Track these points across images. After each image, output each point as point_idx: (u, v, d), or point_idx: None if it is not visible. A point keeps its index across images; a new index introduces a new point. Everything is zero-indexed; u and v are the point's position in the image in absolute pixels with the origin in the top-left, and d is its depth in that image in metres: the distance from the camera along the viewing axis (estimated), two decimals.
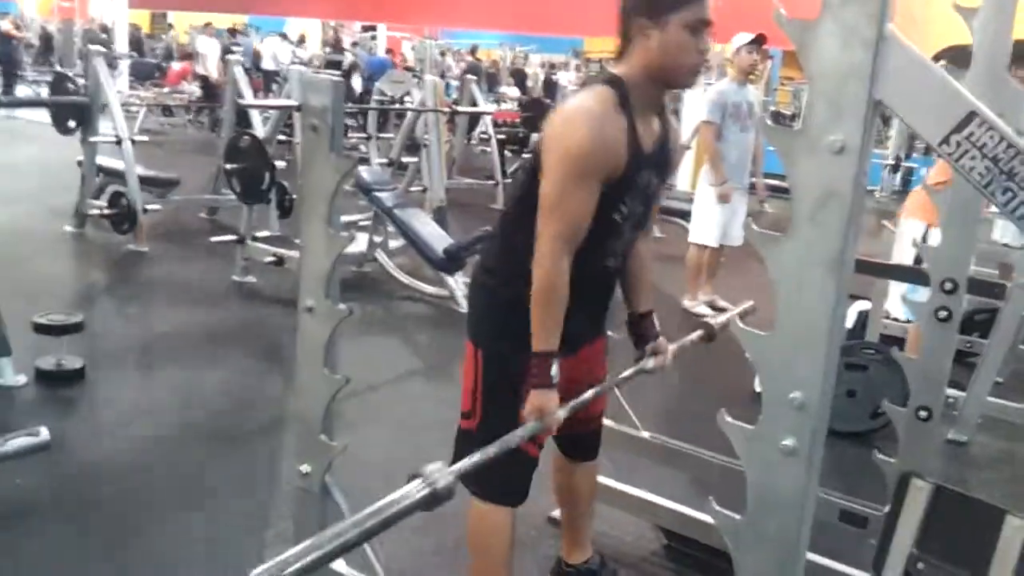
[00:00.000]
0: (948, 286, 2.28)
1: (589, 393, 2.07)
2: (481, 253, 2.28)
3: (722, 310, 5.81)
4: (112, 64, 12.51)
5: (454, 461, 2.09)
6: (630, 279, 2.29)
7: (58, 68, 15.04)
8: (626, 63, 1.97)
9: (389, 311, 5.54)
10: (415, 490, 1.43)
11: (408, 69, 14.57)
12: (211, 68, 14.53)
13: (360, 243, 5.98)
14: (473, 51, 20.42)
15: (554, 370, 1.96)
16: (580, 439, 2.44)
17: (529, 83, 18.36)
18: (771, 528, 1.43)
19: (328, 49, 19.45)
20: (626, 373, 2.24)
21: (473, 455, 1.68)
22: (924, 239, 4.13)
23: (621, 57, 1.99)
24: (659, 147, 2.06)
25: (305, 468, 2.11)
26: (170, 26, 24.42)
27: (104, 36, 18.34)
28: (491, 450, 1.70)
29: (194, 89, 15.10)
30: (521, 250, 1.97)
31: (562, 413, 1.97)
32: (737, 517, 1.47)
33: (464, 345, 2.22)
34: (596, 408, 2.42)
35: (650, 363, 2.26)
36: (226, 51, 13.53)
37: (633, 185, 1.99)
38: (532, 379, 1.95)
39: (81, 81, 6.97)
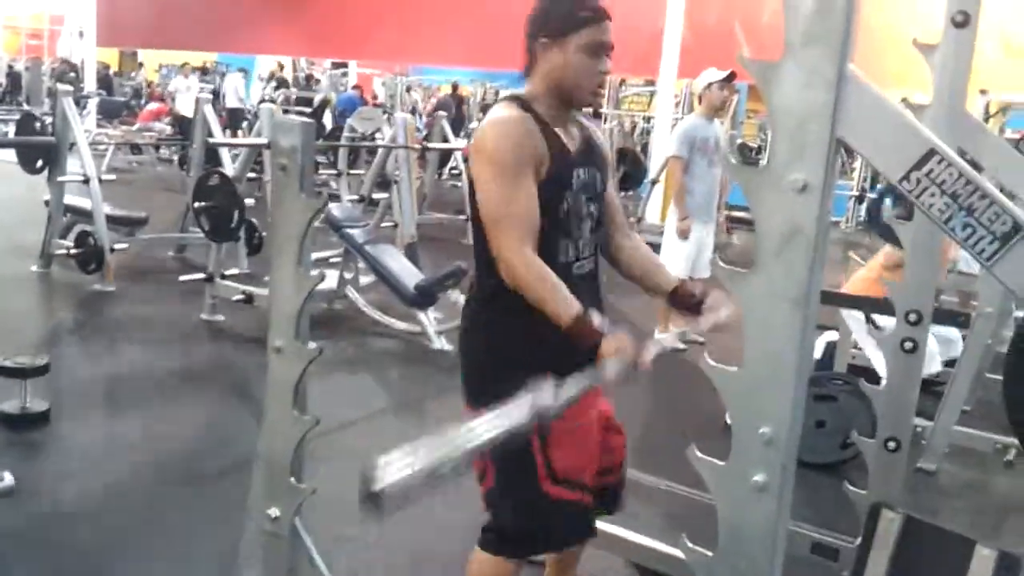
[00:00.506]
0: (913, 317, 2.31)
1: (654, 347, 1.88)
2: (463, 309, 2.23)
3: (692, 343, 5.85)
4: (80, 103, 12.47)
5: (493, 523, 2.07)
6: (635, 271, 2.22)
7: (26, 107, 14.96)
8: (529, 81, 2.05)
9: (360, 348, 5.51)
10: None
11: (377, 105, 14.64)
12: (187, 107, 14.51)
13: (330, 280, 5.96)
14: (454, 88, 20.57)
15: (599, 320, 1.86)
16: (609, 489, 2.30)
17: None
18: (742, 564, 1.43)
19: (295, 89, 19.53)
20: (704, 325, 2.07)
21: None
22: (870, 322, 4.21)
23: (526, 75, 2.06)
24: (586, 146, 2.10)
25: (274, 512, 2.09)
26: (140, 64, 24.36)
27: (72, 75, 18.26)
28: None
29: (164, 127, 15.05)
30: (493, 274, 1.96)
31: (651, 348, 1.83)
32: (709, 553, 1.47)
33: (441, 381, 2.19)
34: (620, 456, 2.31)
35: (723, 313, 2.06)
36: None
37: (569, 181, 2.01)
38: (588, 341, 1.83)
39: (49, 120, 6.92)
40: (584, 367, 1.79)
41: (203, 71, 18.63)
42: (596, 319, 1.86)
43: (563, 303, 1.88)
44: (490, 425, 1.52)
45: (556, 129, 2.03)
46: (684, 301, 2.15)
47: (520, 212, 1.92)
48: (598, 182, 2.11)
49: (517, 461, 1.98)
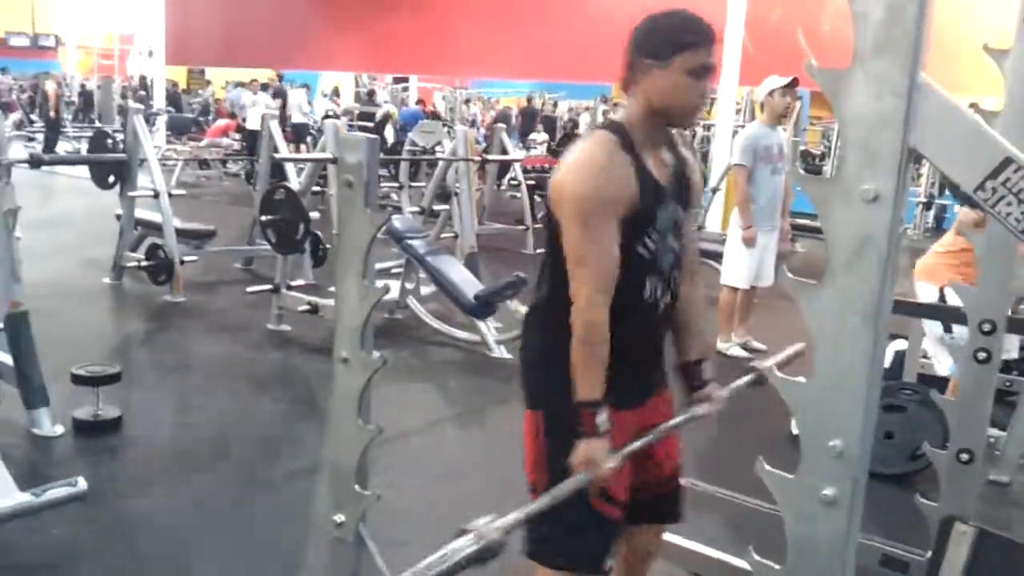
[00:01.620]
0: (986, 327, 2.25)
1: (636, 444, 2.00)
2: (525, 316, 2.25)
3: (756, 351, 5.78)
4: (150, 120, 12.81)
5: (542, 535, 2.08)
6: (677, 325, 2.23)
7: (98, 124, 15.41)
8: (629, 101, 2.02)
9: (421, 357, 5.55)
10: (465, 545, 1.42)
11: (436, 117, 14.74)
12: (255, 123, 14.78)
13: (392, 290, 6.02)
14: (529, 100, 20.73)
15: (600, 419, 1.91)
16: (661, 500, 2.29)
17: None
18: None
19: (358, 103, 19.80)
20: (676, 420, 2.16)
21: (522, 511, 1.66)
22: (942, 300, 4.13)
23: (625, 92, 2.04)
24: (676, 178, 2.08)
25: (339, 518, 2.11)
26: (208, 82, 24.93)
27: (142, 93, 18.76)
28: (535, 505, 1.67)
29: (231, 142, 15.36)
30: (556, 301, 1.97)
31: (612, 463, 1.90)
32: (776, 567, 1.45)
33: (501, 390, 2.20)
34: (671, 464, 2.27)
35: (700, 409, 2.18)
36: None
37: (654, 218, 1.99)
38: (577, 429, 1.90)
39: (120, 137, 7.12)
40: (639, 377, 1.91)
41: (265, 88, 18.96)
42: (601, 419, 1.89)
43: (591, 380, 1.91)
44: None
45: (648, 157, 2.00)
46: (689, 377, 2.22)
47: (600, 257, 1.91)
48: (681, 215, 2.10)
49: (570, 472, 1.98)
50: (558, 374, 1.95)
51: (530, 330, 2.16)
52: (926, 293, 4.35)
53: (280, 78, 18.74)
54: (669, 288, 2.10)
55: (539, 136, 17.71)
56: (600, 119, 18.72)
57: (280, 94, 16.51)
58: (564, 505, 1.97)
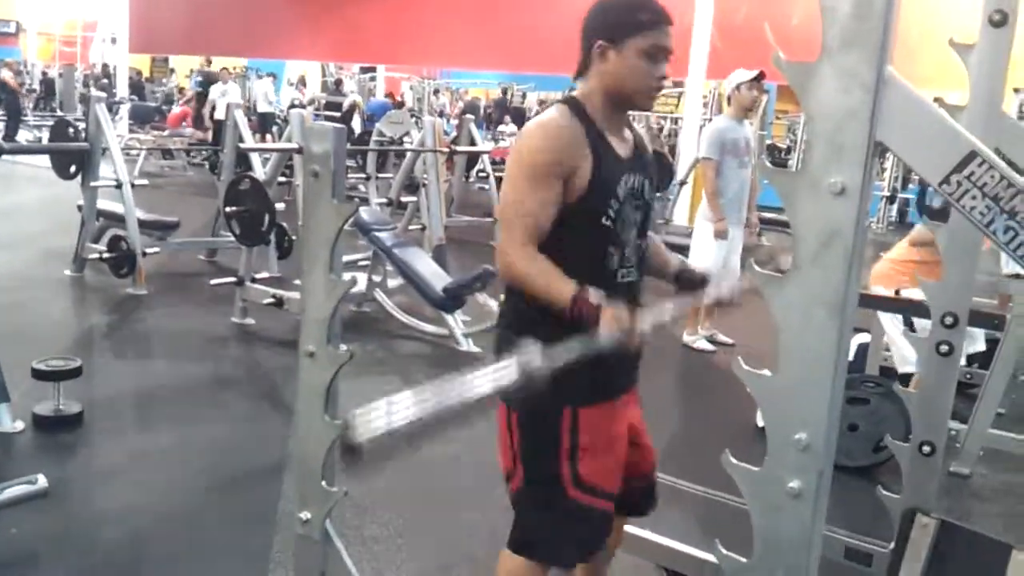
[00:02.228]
0: (949, 320, 2.27)
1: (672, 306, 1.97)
2: (501, 308, 2.20)
3: (722, 344, 5.82)
4: (113, 108, 12.62)
5: (519, 525, 2.07)
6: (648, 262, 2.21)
7: (59, 113, 15.16)
8: (583, 83, 2.02)
9: (389, 350, 5.53)
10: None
11: (401, 106, 14.66)
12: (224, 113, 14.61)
13: (359, 283, 5.98)
14: (505, 91, 20.69)
15: (594, 294, 1.84)
16: (640, 492, 2.30)
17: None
18: (778, 571, 1.41)
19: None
20: (707, 298, 2.17)
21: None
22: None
23: (580, 75, 2.03)
24: (637, 153, 2.08)
25: (305, 515, 2.09)
26: (171, 70, 24.62)
27: (105, 81, 18.47)
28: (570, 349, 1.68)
29: (194, 131, 15.19)
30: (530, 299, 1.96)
31: (649, 317, 1.84)
32: (743, 560, 1.45)
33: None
34: (650, 457, 2.30)
35: (725, 288, 2.14)
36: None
37: (615, 187, 1.98)
38: (589, 315, 1.81)
39: (82, 126, 7.01)
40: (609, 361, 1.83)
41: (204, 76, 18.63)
42: (593, 295, 1.84)
43: (558, 283, 1.87)
44: (479, 382, 1.54)
45: (607, 134, 2.00)
46: (689, 279, 2.23)
47: (528, 216, 1.91)
48: (646, 189, 2.09)
49: (545, 465, 1.99)
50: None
51: (504, 326, 2.13)
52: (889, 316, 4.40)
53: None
54: (633, 262, 2.07)
55: (508, 128, 17.69)
56: None
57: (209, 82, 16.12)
58: (554, 499, 1.98)
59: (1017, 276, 5.10)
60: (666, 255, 2.29)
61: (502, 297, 2.16)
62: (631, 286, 2.07)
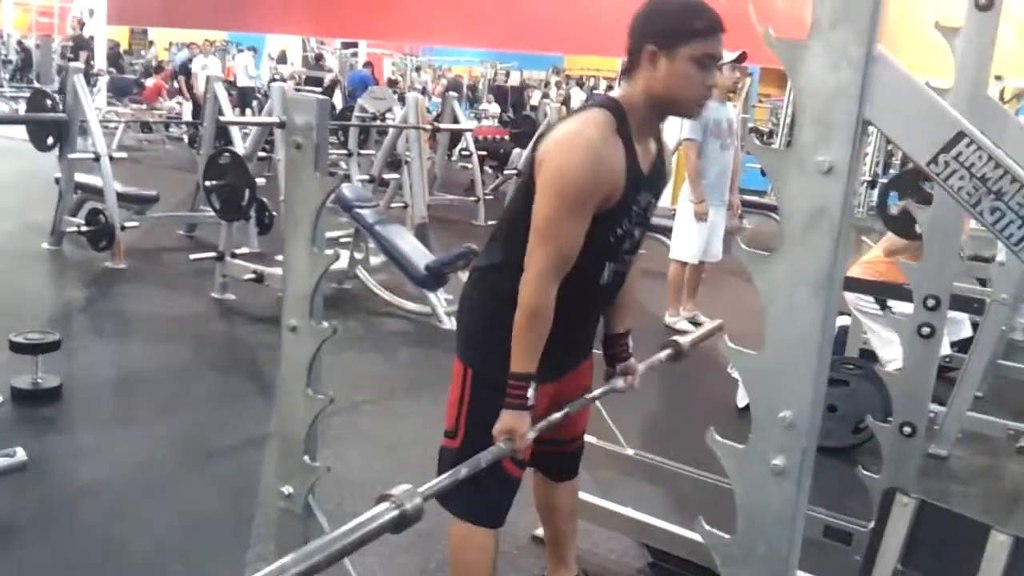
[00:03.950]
0: (930, 303, 2.29)
1: (557, 415, 2.06)
2: (471, 270, 2.25)
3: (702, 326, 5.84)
4: (91, 80, 12.43)
5: (459, 495, 2.08)
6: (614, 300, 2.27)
7: (36, 84, 14.94)
8: (629, 84, 1.97)
9: (370, 328, 5.51)
10: (384, 512, 1.42)
11: (390, 83, 14.56)
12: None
13: (341, 260, 5.95)
14: (508, 73, 20.61)
15: (530, 393, 1.94)
16: (562, 459, 2.44)
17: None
18: (761, 547, 1.43)
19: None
20: (596, 392, 2.25)
21: (445, 476, 1.70)
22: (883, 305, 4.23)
23: (626, 76, 1.99)
24: (655, 169, 2.07)
25: (287, 489, 2.08)
26: (150, 43, 24.30)
27: (83, 52, 18.18)
28: (463, 471, 1.72)
29: (172, 105, 15.04)
30: (511, 269, 1.97)
31: (532, 434, 1.95)
32: (726, 536, 1.46)
33: (450, 362, 2.20)
34: (578, 428, 2.42)
35: (619, 383, 2.27)
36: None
37: (630, 208, 1.99)
38: (506, 399, 1.94)
39: (59, 98, 6.92)
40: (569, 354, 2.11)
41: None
42: (531, 393, 1.93)
43: (528, 354, 1.94)
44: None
45: (639, 145, 1.98)
46: (613, 349, 2.31)
47: (566, 239, 1.90)
48: (651, 207, 2.10)
49: (488, 436, 2.01)
50: (498, 341, 1.97)
51: (478, 289, 2.16)
52: (863, 311, 4.40)
53: None
54: (621, 271, 2.13)
55: (491, 107, 17.62)
56: (554, 92, 18.70)
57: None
58: (493, 468, 2.01)
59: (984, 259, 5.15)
60: (625, 312, 2.32)
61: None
62: (610, 293, 2.16)
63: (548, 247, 1.89)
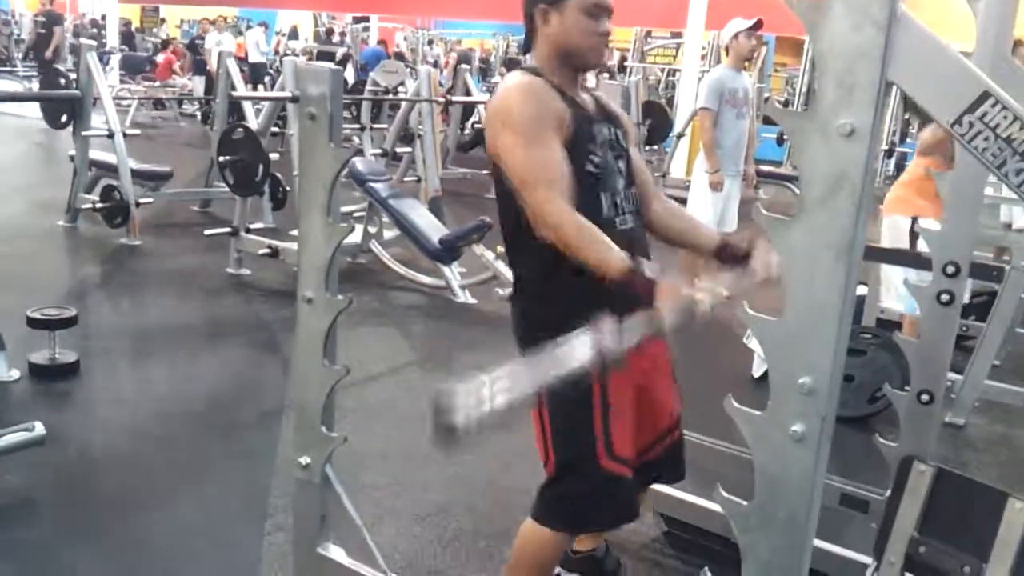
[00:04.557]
0: (950, 270, 2.26)
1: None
2: (512, 297, 2.14)
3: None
4: (103, 58, 12.43)
5: (547, 492, 2.05)
6: (673, 231, 2.21)
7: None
8: (535, 50, 2.06)
9: (385, 302, 5.52)
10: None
11: (400, 57, 14.48)
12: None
13: (355, 234, 5.95)
14: (511, 45, 20.49)
15: (649, 266, 1.80)
16: (674, 451, 2.25)
17: None
18: (780, 514, 1.42)
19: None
20: (755, 276, 1.98)
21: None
22: (912, 229, 4.15)
23: (528, 47, 2.08)
24: (603, 110, 2.12)
25: (305, 460, 2.09)
26: (162, 20, 24.25)
27: (95, 31, 18.18)
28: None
29: (185, 82, 15.02)
30: (539, 269, 1.97)
31: (708, 297, 1.74)
32: (744, 503, 1.46)
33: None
34: (676, 411, 2.25)
35: (774, 263, 1.92)
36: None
37: (592, 137, 2.01)
38: (641, 289, 1.75)
39: (72, 76, 6.92)
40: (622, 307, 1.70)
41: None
42: (647, 267, 1.81)
43: (608, 252, 1.83)
44: (555, 360, 1.49)
45: (569, 93, 2.03)
46: (731, 254, 2.09)
47: (552, 171, 1.88)
48: (620, 138, 2.12)
49: (578, 433, 1.98)
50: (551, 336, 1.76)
51: (520, 335, 2.08)
52: (896, 226, 4.34)
53: None
54: (627, 209, 2.07)
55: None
56: None
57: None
58: (578, 469, 1.98)
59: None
60: (700, 227, 2.26)
61: (500, 249, 2.15)
62: (631, 233, 2.06)
63: (533, 188, 1.88)
